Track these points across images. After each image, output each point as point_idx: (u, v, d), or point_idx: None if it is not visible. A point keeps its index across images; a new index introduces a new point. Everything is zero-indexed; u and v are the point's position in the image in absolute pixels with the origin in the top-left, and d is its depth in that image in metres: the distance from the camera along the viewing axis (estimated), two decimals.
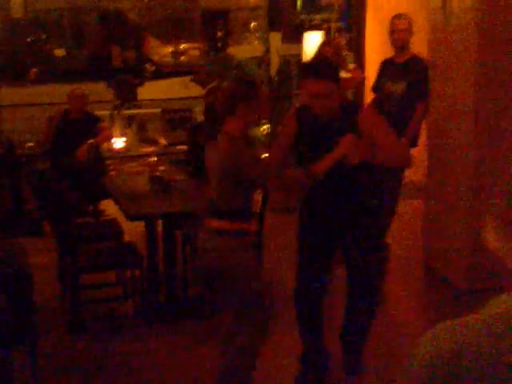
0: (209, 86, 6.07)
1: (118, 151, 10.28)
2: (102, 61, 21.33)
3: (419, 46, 6.03)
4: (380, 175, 4.17)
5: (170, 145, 8.80)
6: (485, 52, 5.17)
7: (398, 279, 5.87)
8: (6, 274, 4.26)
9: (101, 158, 7.47)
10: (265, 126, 8.77)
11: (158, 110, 10.47)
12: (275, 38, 11.97)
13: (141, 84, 15.33)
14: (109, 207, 6.60)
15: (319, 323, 4.16)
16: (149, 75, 21.80)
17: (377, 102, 5.92)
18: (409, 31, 5.82)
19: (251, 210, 3.84)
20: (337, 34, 12.04)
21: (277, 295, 5.39)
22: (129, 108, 12.91)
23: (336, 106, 3.76)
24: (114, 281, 5.58)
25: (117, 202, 5.39)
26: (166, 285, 5.21)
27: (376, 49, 7.85)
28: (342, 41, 11.34)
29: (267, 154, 4.39)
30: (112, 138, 9.16)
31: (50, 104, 13.08)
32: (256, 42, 23.67)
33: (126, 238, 5.77)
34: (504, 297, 1.48)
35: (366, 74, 7.68)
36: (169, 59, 23.76)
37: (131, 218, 5.05)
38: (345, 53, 7.99)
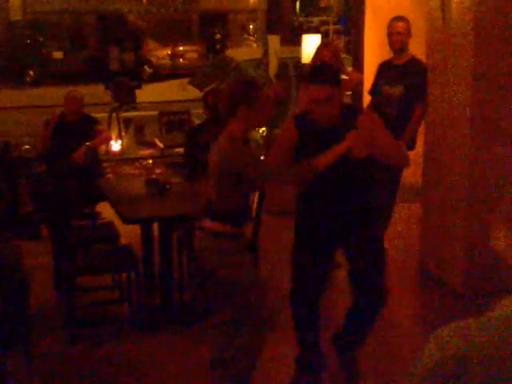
0: (206, 89, 6.04)
1: (115, 154, 10.28)
2: (101, 63, 21.32)
3: (417, 48, 6.02)
4: (379, 176, 4.15)
5: (167, 147, 8.77)
6: (482, 54, 5.16)
7: (394, 282, 5.84)
8: (1, 277, 4.24)
9: (98, 161, 7.44)
10: (263, 128, 8.76)
11: (156, 113, 10.45)
12: (274, 41, 11.98)
13: (139, 86, 15.31)
14: (105, 210, 6.57)
15: (315, 323, 4.14)
16: (147, 77, 21.82)
17: (374, 105, 5.91)
18: (407, 34, 5.80)
19: (247, 213, 3.81)
20: (335, 37, 12.05)
21: (273, 297, 5.41)
22: (126, 110, 12.91)
23: (336, 111, 3.75)
24: (110, 284, 5.55)
25: (113, 205, 5.36)
26: (162, 288, 5.19)
27: (374, 51, 7.83)
28: (340, 43, 11.35)
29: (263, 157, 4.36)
30: (109, 140, 9.15)
31: (47, 106, 13.09)
32: (254, 45, 23.73)
33: (123, 240, 5.75)
34: (511, 299, 1.46)
35: (364, 76, 7.66)
36: (167, 61, 23.77)
37: (127, 221, 5.02)
38: (343, 55, 7.98)
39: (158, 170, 5.87)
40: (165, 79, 21.44)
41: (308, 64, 6.96)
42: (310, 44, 8.68)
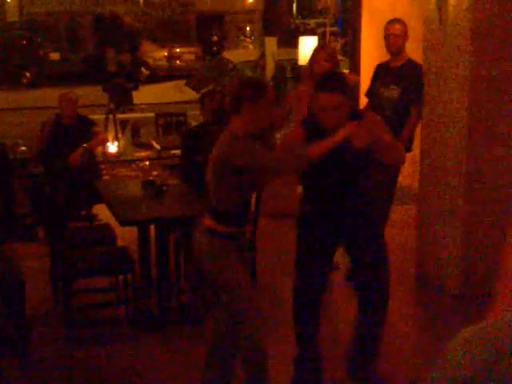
0: (203, 90, 6.04)
1: (112, 155, 10.26)
2: (97, 64, 21.31)
3: (414, 50, 6.02)
4: (377, 176, 4.17)
5: (164, 149, 8.76)
6: (479, 56, 5.17)
7: (391, 283, 5.84)
8: None
9: (94, 163, 7.43)
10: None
11: (152, 114, 10.44)
12: (271, 42, 11.99)
13: (135, 88, 15.30)
14: (102, 212, 6.57)
15: (316, 324, 4.15)
16: (143, 79, 21.80)
17: (370, 107, 5.91)
18: (404, 36, 5.81)
19: (244, 214, 3.81)
20: (332, 39, 12.05)
21: (270, 299, 5.41)
22: (123, 112, 12.90)
23: (344, 118, 3.75)
24: (107, 286, 5.54)
25: (110, 207, 5.35)
26: (159, 290, 5.18)
27: (371, 53, 7.84)
28: (337, 45, 11.36)
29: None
30: (106, 142, 9.14)
31: (44, 108, 13.07)
32: (251, 46, 23.74)
33: (119, 242, 5.74)
34: None
35: (361, 78, 7.66)
36: (164, 63, 23.74)
37: (123, 223, 5.02)
38: (340, 57, 7.98)
39: (154, 172, 5.88)
40: (161, 81, 21.42)
41: (305, 66, 6.96)
42: (307, 46, 8.71)
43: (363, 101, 6.37)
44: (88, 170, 6.97)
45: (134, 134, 12.10)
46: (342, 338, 4.85)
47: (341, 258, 5.15)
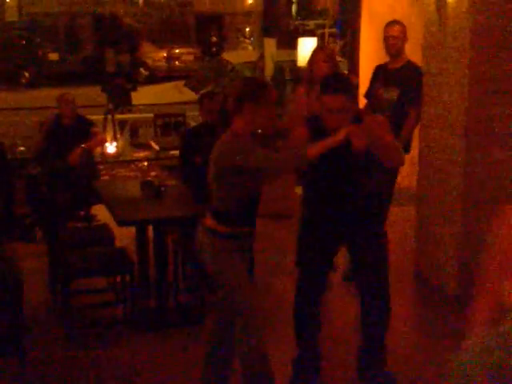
0: (202, 91, 6.03)
1: (111, 156, 10.26)
2: (96, 65, 21.31)
3: (413, 52, 6.02)
4: (376, 176, 4.17)
5: (162, 150, 8.76)
6: (478, 58, 5.17)
7: (390, 284, 5.85)
8: None
9: (93, 163, 7.43)
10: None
11: (151, 115, 10.43)
12: (270, 44, 11.99)
13: (134, 88, 15.30)
14: (100, 212, 6.57)
15: (316, 325, 4.16)
16: (142, 80, 21.80)
17: (369, 109, 5.91)
18: (403, 38, 5.80)
19: (246, 214, 3.80)
20: (331, 40, 12.06)
21: (269, 299, 5.41)
22: (122, 112, 12.90)
23: (348, 120, 3.76)
24: (105, 286, 5.54)
25: (108, 207, 5.35)
26: (157, 290, 5.18)
27: (370, 55, 7.84)
28: (336, 47, 11.36)
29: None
30: (105, 142, 9.14)
31: (42, 108, 13.06)
32: (250, 47, 23.74)
33: (118, 243, 5.74)
34: None
35: (360, 79, 7.67)
36: (163, 64, 23.76)
37: (122, 223, 5.01)
38: (339, 59, 7.98)
39: (153, 173, 5.87)
40: (160, 81, 21.42)
41: (304, 67, 6.96)
42: (306, 47, 8.71)
43: (362, 102, 6.37)
44: (86, 171, 6.97)
45: (132, 134, 12.10)
46: (341, 337, 4.86)
47: (340, 258, 5.15)
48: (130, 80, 17.42)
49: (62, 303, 5.06)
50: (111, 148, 10.80)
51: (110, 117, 11.98)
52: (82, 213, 6.98)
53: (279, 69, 10.96)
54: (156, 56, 23.87)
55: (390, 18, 6.10)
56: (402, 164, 4.23)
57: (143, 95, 17.03)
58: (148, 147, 9.91)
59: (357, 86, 7.24)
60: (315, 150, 3.66)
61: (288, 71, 10.82)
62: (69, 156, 6.88)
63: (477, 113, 5.24)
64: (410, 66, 5.83)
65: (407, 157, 5.43)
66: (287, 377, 4.21)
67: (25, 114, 15.35)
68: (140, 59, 23.46)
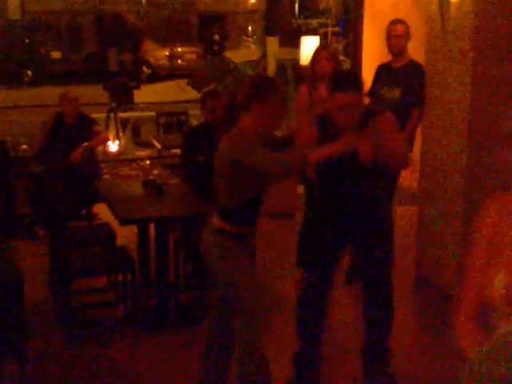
0: (204, 90, 6.01)
1: (113, 154, 10.25)
2: (99, 63, 21.31)
3: (416, 51, 6.01)
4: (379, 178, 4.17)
5: (165, 148, 8.75)
6: (481, 58, 5.15)
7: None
8: None
9: (95, 161, 7.42)
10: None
11: (153, 114, 10.43)
12: (272, 42, 11.96)
13: (137, 87, 15.30)
14: (102, 211, 6.56)
15: (322, 319, 4.14)
16: (145, 78, 21.80)
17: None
18: (406, 37, 5.79)
19: (252, 213, 3.79)
20: (334, 39, 12.04)
21: (268, 298, 5.40)
22: (124, 111, 12.89)
23: (358, 117, 3.76)
24: (106, 285, 5.53)
25: (110, 206, 5.34)
26: (158, 289, 5.17)
27: (373, 54, 7.82)
28: (339, 45, 11.34)
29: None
30: (107, 141, 9.13)
31: (44, 106, 13.06)
32: (253, 46, 23.72)
33: (119, 241, 5.73)
34: None
35: (363, 79, 7.64)
36: (165, 62, 23.76)
37: (123, 222, 5.00)
38: (342, 58, 7.97)
39: (155, 171, 5.84)
40: (163, 80, 21.41)
41: (306, 66, 6.94)
42: (309, 46, 8.68)
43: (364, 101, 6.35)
44: (88, 169, 6.96)
45: (134, 132, 12.09)
46: (340, 337, 4.86)
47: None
48: (133, 78, 17.41)
49: (63, 302, 5.06)
50: (113, 146, 10.79)
51: (112, 115, 11.98)
52: (84, 211, 6.97)
53: (282, 67, 10.94)
54: (158, 54, 23.89)
55: (392, 17, 6.09)
56: (407, 165, 4.22)
57: (146, 94, 17.04)
58: (150, 146, 9.89)
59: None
60: (317, 155, 3.64)
61: (290, 70, 10.80)
62: (71, 154, 6.87)
63: (479, 113, 5.22)
64: (413, 65, 5.82)
65: None
66: (285, 376, 4.20)
67: (27, 112, 15.38)
68: (142, 58, 23.48)
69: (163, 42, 24.80)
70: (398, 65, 5.84)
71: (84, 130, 7.04)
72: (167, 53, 23.98)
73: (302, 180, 5.72)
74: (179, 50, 24.27)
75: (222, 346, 3.90)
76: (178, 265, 5.46)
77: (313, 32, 13.72)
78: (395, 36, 5.79)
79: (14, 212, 7.10)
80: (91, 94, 15.31)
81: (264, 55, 11.78)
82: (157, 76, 22.26)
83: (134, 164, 7.46)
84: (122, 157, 10.58)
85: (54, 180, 6.58)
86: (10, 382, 4.21)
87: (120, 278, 5.23)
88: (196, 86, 11.50)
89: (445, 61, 5.48)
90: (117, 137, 11.43)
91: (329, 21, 14.75)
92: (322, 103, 5.16)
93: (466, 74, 5.23)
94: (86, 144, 6.96)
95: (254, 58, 12.54)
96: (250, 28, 27.69)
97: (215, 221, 3.74)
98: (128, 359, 4.63)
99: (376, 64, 6.24)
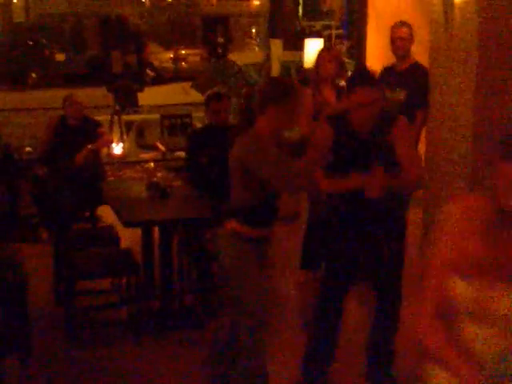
0: (208, 93, 6.02)
1: (117, 157, 10.25)
2: (103, 66, 21.32)
3: (420, 53, 6.01)
4: None
5: (169, 151, 8.76)
6: (485, 60, 5.15)
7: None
8: (1, 279, 4.23)
9: (99, 164, 7.43)
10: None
11: (157, 116, 10.43)
12: (276, 45, 11.96)
13: (141, 89, 15.30)
14: (106, 213, 6.56)
15: (339, 325, 4.14)
16: (149, 81, 21.80)
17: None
18: (410, 39, 5.79)
19: (265, 216, 3.78)
20: (338, 41, 12.04)
21: (274, 301, 5.40)
22: (128, 113, 12.90)
23: (376, 115, 3.77)
24: (109, 288, 5.53)
25: (114, 208, 5.34)
26: (162, 292, 5.17)
27: (377, 56, 7.82)
28: (343, 48, 11.34)
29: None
30: (111, 143, 9.14)
31: (49, 108, 13.07)
32: (257, 49, 23.72)
33: (123, 244, 5.73)
34: None
35: None
36: (169, 65, 23.77)
37: (127, 224, 5.01)
38: (346, 60, 7.96)
39: (159, 174, 5.84)
40: (167, 82, 21.41)
41: (310, 68, 6.94)
42: (313, 48, 8.68)
43: None
44: (93, 171, 6.97)
45: (139, 135, 12.09)
46: (345, 338, 4.85)
47: None
48: (137, 81, 17.42)
49: (66, 304, 5.05)
50: (117, 149, 10.79)
51: (116, 118, 11.98)
52: (88, 214, 6.98)
53: (286, 70, 10.94)
54: (163, 57, 23.89)
55: (396, 19, 6.08)
56: (421, 189, 4.21)
57: (150, 96, 17.02)
58: (154, 148, 9.90)
59: None
60: (328, 186, 3.67)
61: (294, 72, 10.79)
62: (75, 157, 6.87)
63: (483, 115, 5.21)
64: (417, 67, 5.82)
65: None
66: (289, 378, 4.19)
67: (31, 114, 15.38)
68: (146, 60, 23.47)
69: (167, 45, 24.81)
70: (402, 67, 5.83)
71: (88, 132, 7.04)
72: (171, 55, 23.99)
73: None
74: (183, 52, 24.28)
75: (228, 348, 3.90)
76: (181, 267, 5.46)
77: (316, 34, 13.73)
78: (399, 38, 5.79)
79: (18, 214, 7.11)
80: (95, 96, 15.32)
81: (268, 58, 11.78)
82: (161, 78, 22.26)
83: (138, 166, 7.48)
84: (127, 159, 10.59)
85: (58, 182, 6.59)
86: (13, 381, 4.21)
87: (124, 280, 5.23)
88: (200, 88, 11.50)
89: (449, 63, 5.48)
90: (121, 139, 11.44)
91: (332, 23, 14.76)
92: (341, 100, 5.16)
93: (470, 76, 5.22)
94: (90, 146, 6.96)
95: (258, 60, 12.54)
96: (253, 30, 27.71)
97: (229, 224, 3.74)
98: (131, 361, 4.63)
99: (380, 66, 6.23)
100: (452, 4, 5.40)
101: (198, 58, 24.05)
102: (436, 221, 2.14)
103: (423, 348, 2.10)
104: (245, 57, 16.30)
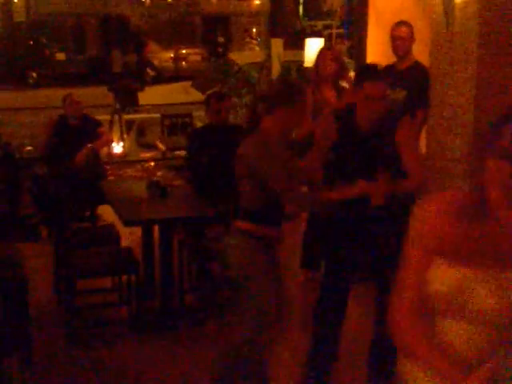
0: (209, 92, 6.02)
1: (117, 156, 10.27)
2: (103, 65, 21.34)
3: (420, 52, 6.00)
4: None
5: (169, 150, 8.76)
6: (486, 60, 5.14)
7: None
8: (1, 278, 4.23)
9: (99, 163, 7.44)
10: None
11: (158, 115, 10.44)
12: (277, 44, 11.96)
13: (141, 89, 15.32)
14: (106, 212, 6.56)
15: (340, 324, 4.13)
16: (149, 80, 21.81)
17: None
18: (410, 39, 5.79)
19: (275, 214, 3.78)
20: (338, 41, 12.03)
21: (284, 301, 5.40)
22: (129, 113, 12.91)
23: (382, 110, 3.78)
24: (110, 286, 5.53)
25: (114, 207, 5.35)
26: (162, 291, 5.17)
27: (377, 56, 7.81)
28: (343, 47, 11.34)
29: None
30: (111, 142, 9.15)
31: (49, 108, 13.07)
32: (257, 48, 23.72)
33: (123, 243, 5.73)
34: None
35: None
36: (170, 64, 23.77)
37: (127, 223, 5.01)
38: (346, 59, 7.96)
39: (159, 173, 5.85)
40: (167, 82, 21.42)
41: (311, 68, 6.94)
42: (313, 48, 8.67)
43: None
44: (93, 171, 6.97)
45: (139, 134, 12.11)
46: (348, 337, 4.85)
47: None
48: (137, 80, 17.43)
49: (67, 303, 5.06)
50: (118, 148, 10.80)
51: (116, 117, 11.99)
52: (88, 213, 6.98)
53: (286, 69, 10.94)
54: (163, 56, 23.88)
55: (396, 19, 6.08)
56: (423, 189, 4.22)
57: (150, 95, 17.05)
58: (155, 147, 9.91)
59: None
60: (332, 196, 3.68)
61: (295, 72, 10.79)
62: (75, 156, 6.88)
63: (484, 115, 5.21)
64: (418, 66, 5.81)
65: None
66: (291, 378, 4.20)
67: (32, 113, 15.38)
68: (147, 60, 23.48)
69: (167, 44, 24.81)
70: (402, 66, 5.83)
71: (88, 131, 7.05)
72: (172, 55, 23.99)
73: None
74: (183, 51, 24.28)
75: (239, 355, 3.89)
76: (182, 266, 5.47)
77: (317, 34, 13.74)
78: (400, 38, 5.78)
79: (18, 213, 7.11)
80: (96, 95, 15.33)
81: (268, 57, 11.78)
82: (161, 78, 22.27)
83: (139, 166, 7.50)
84: (127, 158, 10.60)
85: (58, 181, 6.59)
86: (14, 381, 4.21)
87: (124, 279, 5.24)
88: (200, 87, 11.51)
89: (449, 63, 5.47)
90: (121, 138, 11.44)
91: (333, 22, 14.76)
92: (344, 97, 5.15)
93: (471, 76, 5.22)
94: (90, 145, 6.97)
95: (259, 59, 12.54)
96: (254, 30, 27.71)
97: (238, 223, 3.74)
98: (132, 360, 4.63)
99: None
100: (452, 4, 5.39)
101: (198, 58, 24.04)
102: (413, 216, 2.14)
103: (401, 345, 2.10)
104: (245, 56, 16.31)
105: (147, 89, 17.48)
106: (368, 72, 3.88)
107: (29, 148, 8.26)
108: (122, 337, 4.96)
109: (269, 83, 10.06)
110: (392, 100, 5.75)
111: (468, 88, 5.25)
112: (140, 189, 5.57)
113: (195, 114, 10.29)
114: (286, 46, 12.51)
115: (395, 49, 5.83)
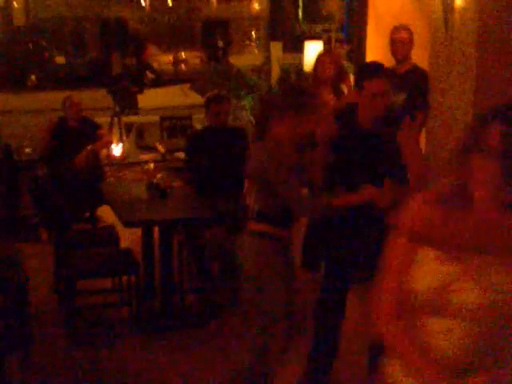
0: (208, 94, 6.03)
1: (117, 158, 10.27)
2: (102, 68, 21.35)
3: (420, 56, 6.03)
4: None
5: (168, 152, 8.78)
6: (485, 63, 5.17)
7: None
8: (2, 279, 4.24)
9: (99, 165, 7.45)
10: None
11: (157, 118, 10.45)
12: (276, 48, 11.99)
13: (140, 91, 15.33)
14: (106, 213, 6.58)
15: (341, 317, 4.15)
16: (149, 83, 21.81)
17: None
18: (409, 42, 5.81)
19: (287, 216, 3.79)
20: (337, 44, 12.05)
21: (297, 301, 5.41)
22: (128, 115, 12.92)
23: (386, 107, 3.80)
24: (110, 287, 5.54)
25: (114, 209, 5.36)
26: (162, 292, 5.18)
27: (377, 59, 7.83)
28: (343, 51, 11.35)
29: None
30: (111, 144, 9.16)
31: (48, 110, 13.08)
32: (256, 51, 23.74)
33: (123, 244, 5.75)
34: None
35: None
36: (169, 67, 23.80)
37: (127, 224, 5.03)
38: (345, 63, 7.98)
39: (159, 175, 5.86)
40: (167, 84, 21.43)
41: (310, 71, 6.96)
42: (312, 51, 8.70)
43: None
44: (92, 172, 6.99)
45: (138, 136, 12.12)
46: (348, 335, 4.87)
47: None
48: (137, 83, 17.43)
49: (67, 303, 5.07)
50: (117, 150, 10.80)
51: (116, 119, 12.00)
52: (88, 214, 7.00)
53: (286, 73, 10.96)
54: (162, 59, 23.91)
55: (396, 22, 6.11)
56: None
57: (150, 98, 17.03)
58: (154, 149, 9.91)
59: None
60: (339, 203, 3.69)
61: (294, 75, 10.81)
62: (75, 158, 6.90)
63: None
64: (417, 70, 5.84)
65: None
66: (292, 377, 4.21)
67: (31, 116, 15.38)
68: (146, 63, 23.49)
69: (167, 48, 24.82)
70: (401, 70, 5.85)
71: (88, 133, 7.07)
72: (171, 58, 24.02)
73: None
74: (183, 55, 24.31)
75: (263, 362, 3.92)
76: (182, 267, 5.48)
77: (316, 37, 13.76)
78: (399, 42, 5.81)
79: (18, 214, 7.12)
80: (95, 98, 15.33)
81: (268, 60, 11.80)
82: (161, 81, 22.28)
83: (138, 167, 7.50)
84: (126, 160, 10.60)
85: (58, 183, 6.61)
86: (14, 381, 4.22)
87: (124, 279, 5.25)
88: (199, 90, 11.53)
89: (448, 67, 5.50)
90: (121, 140, 11.45)
91: (332, 26, 14.77)
92: (346, 97, 5.16)
93: (470, 79, 5.24)
94: (89, 147, 6.98)
95: (258, 63, 12.57)
96: (253, 33, 27.72)
97: (253, 225, 3.75)
98: (132, 361, 4.64)
99: None
100: (452, 7, 5.42)
101: (197, 61, 24.08)
102: (401, 208, 2.16)
103: (382, 344, 2.10)
104: (244, 59, 16.34)
105: (147, 91, 17.45)
106: (371, 69, 3.89)
107: (28, 150, 8.26)
108: (123, 337, 4.97)
109: (277, 88, 10.06)
110: (392, 102, 5.77)
111: (467, 90, 5.28)
112: (140, 190, 5.59)
113: (194, 116, 10.30)
114: (286, 50, 12.53)
115: (394, 52, 5.86)
